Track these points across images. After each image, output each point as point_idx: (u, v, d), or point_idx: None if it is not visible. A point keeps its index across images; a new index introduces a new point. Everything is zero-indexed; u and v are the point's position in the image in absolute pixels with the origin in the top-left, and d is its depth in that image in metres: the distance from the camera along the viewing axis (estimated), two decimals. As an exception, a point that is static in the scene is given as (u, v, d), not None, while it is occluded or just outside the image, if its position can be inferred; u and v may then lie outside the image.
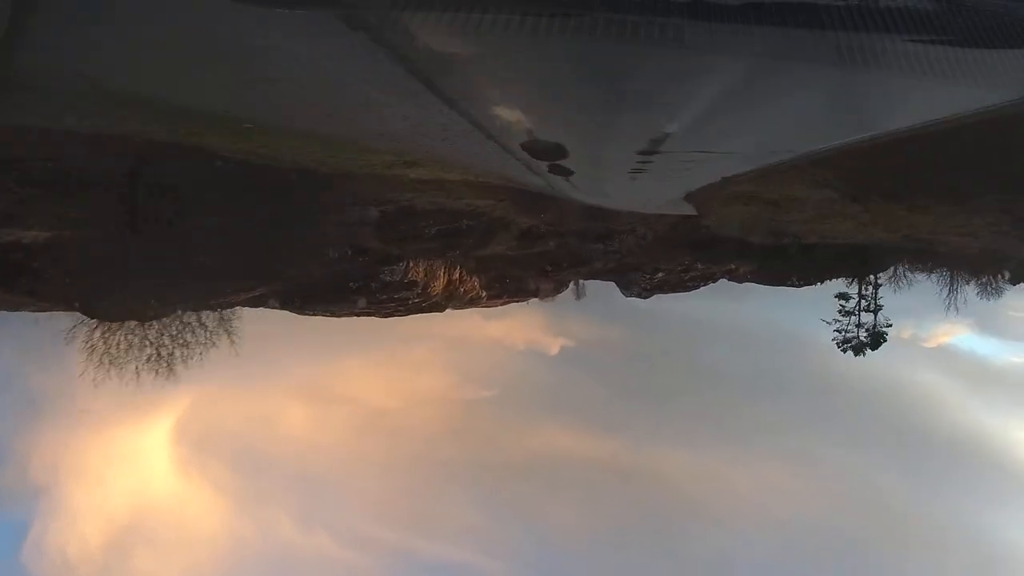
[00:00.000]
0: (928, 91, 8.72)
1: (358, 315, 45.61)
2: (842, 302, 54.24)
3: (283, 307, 40.84)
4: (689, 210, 32.29)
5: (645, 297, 59.41)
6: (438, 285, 51.59)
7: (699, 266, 56.51)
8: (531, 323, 60.07)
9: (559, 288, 60.01)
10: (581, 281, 60.85)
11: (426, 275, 49.23)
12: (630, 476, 71.56)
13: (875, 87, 8.78)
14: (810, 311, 54.17)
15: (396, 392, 73.85)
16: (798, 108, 10.07)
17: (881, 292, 55.50)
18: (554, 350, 69.61)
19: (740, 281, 57.11)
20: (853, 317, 54.34)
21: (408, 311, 47.86)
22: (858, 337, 53.80)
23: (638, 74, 8.48)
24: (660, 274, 57.05)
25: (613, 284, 58.84)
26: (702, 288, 58.98)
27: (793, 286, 58.52)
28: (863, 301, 54.88)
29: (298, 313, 42.28)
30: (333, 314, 45.39)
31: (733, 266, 53.98)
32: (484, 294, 54.81)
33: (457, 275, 53.18)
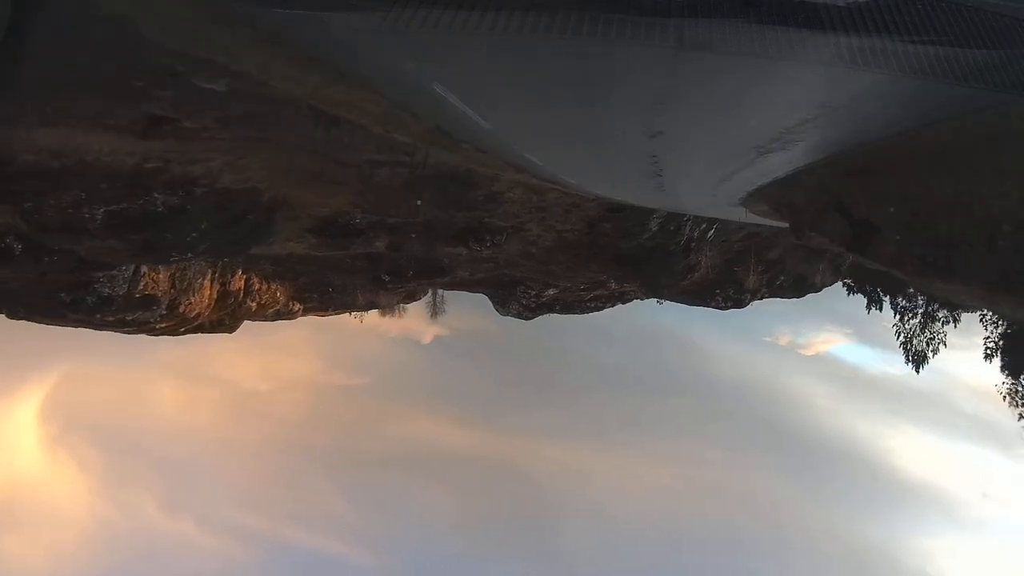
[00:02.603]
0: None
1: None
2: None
3: None
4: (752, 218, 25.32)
5: (527, 318, 47.65)
6: (200, 300, 35.27)
7: (613, 284, 44.35)
8: (423, 301, 50.09)
9: (408, 299, 47.49)
10: (440, 292, 48.99)
11: (174, 287, 32.90)
12: (503, 468, 73.86)
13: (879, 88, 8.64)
14: (693, 314, 49.62)
15: (267, 374, 71.12)
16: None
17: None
18: (428, 338, 67.35)
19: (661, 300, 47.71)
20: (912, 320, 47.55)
21: (164, 332, 34.66)
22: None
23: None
24: (552, 291, 44.47)
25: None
26: (606, 309, 48.17)
27: (719, 308, 46.41)
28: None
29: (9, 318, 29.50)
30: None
31: (668, 283, 41.44)
32: (297, 306, 41.20)
33: (241, 284, 37.71)
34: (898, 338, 49.42)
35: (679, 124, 10.96)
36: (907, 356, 48.95)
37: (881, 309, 52.25)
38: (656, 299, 44.40)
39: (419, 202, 25.89)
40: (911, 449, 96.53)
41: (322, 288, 41.02)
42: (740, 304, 45.73)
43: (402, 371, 71.76)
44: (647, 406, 74.26)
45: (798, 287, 48.31)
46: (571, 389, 72.05)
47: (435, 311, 47.32)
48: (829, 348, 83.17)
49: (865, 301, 54.39)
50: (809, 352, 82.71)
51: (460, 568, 67.97)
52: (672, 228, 34.77)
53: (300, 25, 9.28)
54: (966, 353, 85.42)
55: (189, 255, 24.70)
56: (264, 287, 38.32)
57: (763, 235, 37.99)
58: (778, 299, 49.35)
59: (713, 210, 29.16)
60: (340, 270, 38.58)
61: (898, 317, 49.96)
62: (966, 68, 7.99)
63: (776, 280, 43.93)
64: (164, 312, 32.27)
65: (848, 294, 55.77)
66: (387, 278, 38.43)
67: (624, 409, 73.82)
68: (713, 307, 45.58)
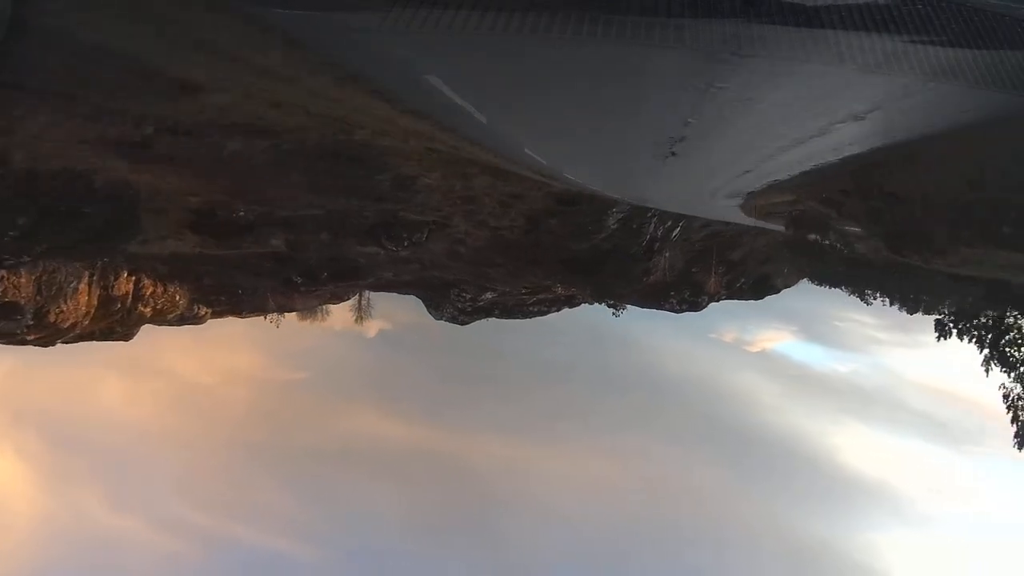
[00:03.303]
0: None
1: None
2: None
3: None
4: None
5: (463, 322, 43.55)
6: (75, 307, 29.87)
7: (560, 289, 40.13)
8: (350, 303, 46.58)
9: (335, 300, 42.61)
10: (367, 294, 44.15)
11: (40, 293, 27.46)
12: (446, 463, 74.65)
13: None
14: (638, 309, 45.57)
15: (211, 368, 69.84)
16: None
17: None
18: (372, 332, 61.58)
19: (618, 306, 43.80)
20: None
21: (37, 343, 29.73)
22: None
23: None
24: (489, 294, 40.23)
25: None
26: (551, 314, 44.41)
27: (673, 311, 43.61)
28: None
29: None
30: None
31: (623, 290, 38.55)
32: (204, 310, 36.66)
33: (128, 288, 32.50)
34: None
35: (691, 124, 11.01)
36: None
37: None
38: (610, 307, 40.02)
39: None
40: (858, 446, 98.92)
41: (230, 290, 37.34)
42: (696, 307, 43.46)
43: (346, 365, 71.74)
44: (591, 401, 75.19)
45: (759, 289, 46.50)
46: (516, 384, 72.70)
47: (360, 314, 42.64)
48: (775, 345, 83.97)
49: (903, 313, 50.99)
50: (755, 349, 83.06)
51: (404, 561, 69.14)
52: (634, 226, 30.94)
53: (300, 25, 9.15)
54: (913, 351, 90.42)
55: (25, 259, 19.47)
56: (159, 290, 33.87)
57: (727, 234, 34.70)
58: (735, 301, 47.51)
59: (707, 208, 28.35)
60: (246, 271, 35.10)
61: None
62: (984, 70, 8.23)
63: (736, 282, 42.96)
64: (31, 322, 28.06)
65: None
66: (299, 280, 35.05)
67: (568, 404, 74.36)
68: (667, 310, 43.58)
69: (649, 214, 32.12)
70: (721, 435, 79.03)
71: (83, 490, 67.51)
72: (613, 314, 40.81)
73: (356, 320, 44.99)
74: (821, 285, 58.52)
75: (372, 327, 60.94)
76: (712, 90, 8.80)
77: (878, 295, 60.55)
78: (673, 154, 13.08)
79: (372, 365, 73.14)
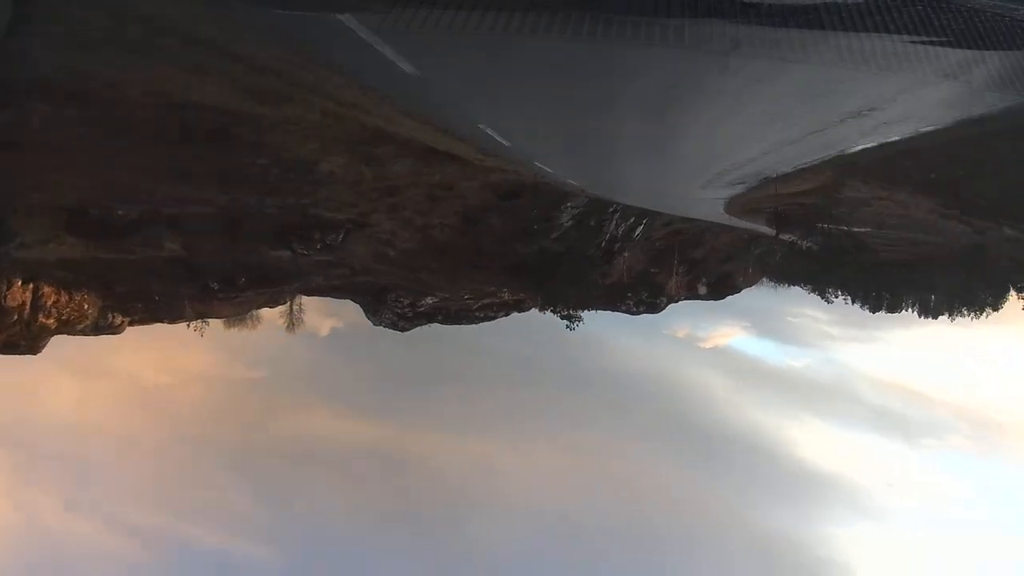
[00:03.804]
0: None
1: None
2: None
3: None
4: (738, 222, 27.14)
5: (403, 328, 40.27)
6: None
7: (506, 294, 37.88)
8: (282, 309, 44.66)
9: (259, 306, 38.63)
10: (299, 301, 40.52)
11: None
12: (404, 461, 74.94)
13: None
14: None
15: (164, 368, 67.49)
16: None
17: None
18: (325, 331, 61.09)
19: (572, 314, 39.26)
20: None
21: None
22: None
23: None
24: (430, 299, 37.53)
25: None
26: (501, 318, 41.35)
27: (630, 313, 41.59)
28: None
29: None
30: None
31: (577, 295, 35.74)
32: (121, 319, 33.24)
33: (24, 298, 29.20)
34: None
35: (681, 123, 11.54)
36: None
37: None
38: (564, 319, 37.32)
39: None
40: (814, 440, 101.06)
41: (146, 297, 33.97)
42: (655, 309, 41.61)
43: (300, 364, 70.34)
44: (546, 398, 75.28)
45: (719, 288, 45.18)
46: (471, 381, 73.32)
47: (291, 322, 39.10)
48: (728, 341, 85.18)
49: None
50: (708, 345, 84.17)
51: (361, 561, 68.56)
52: (592, 223, 27.61)
53: (300, 26, 9.10)
54: (867, 346, 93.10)
55: None
56: (62, 300, 30.68)
57: (690, 232, 32.62)
58: (694, 300, 45.86)
59: (687, 204, 27.12)
60: (159, 277, 31.83)
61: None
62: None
63: (698, 282, 40.01)
64: None
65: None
66: (216, 286, 32.07)
67: (523, 400, 75.33)
68: (623, 312, 41.63)
69: (611, 209, 29.72)
70: (678, 431, 79.90)
71: (36, 493, 66.20)
72: (567, 327, 37.52)
73: (287, 328, 41.36)
74: (781, 284, 58.86)
75: (325, 325, 60.87)
76: (710, 88, 8.98)
77: (840, 293, 61.14)
78: (665, 147, 13.24)
79: (327, 364, 73.11)
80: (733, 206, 21.26)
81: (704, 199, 21.74)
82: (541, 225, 26.34)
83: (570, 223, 28.56)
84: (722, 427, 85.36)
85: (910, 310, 62.83)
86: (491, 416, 77.76)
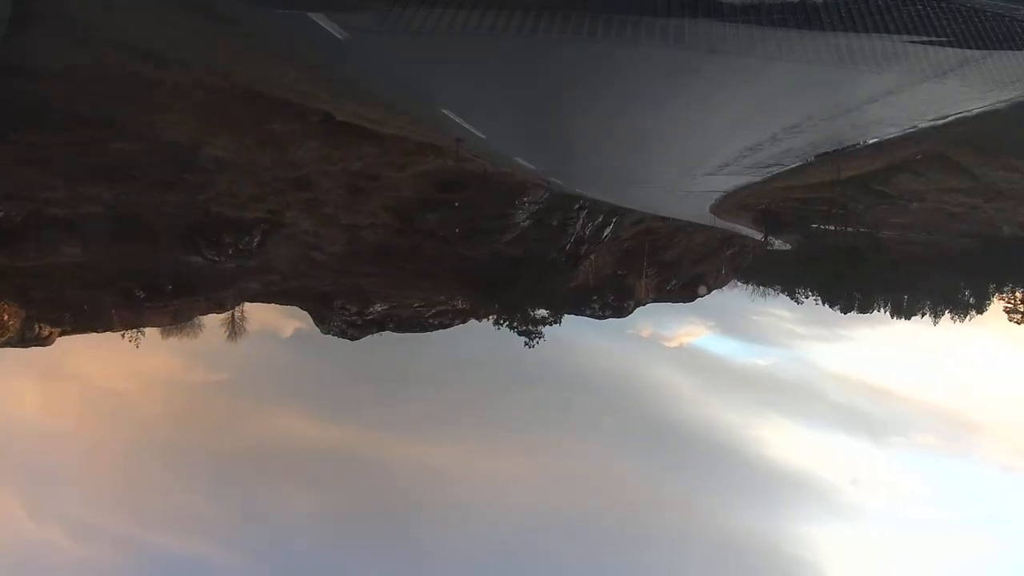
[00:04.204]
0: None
1: None
2: None
3: None
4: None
5: (353, 337, 37.90)
6: None
7: (458, 302, 35.75)
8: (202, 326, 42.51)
9: (216, 309, 35.60)
10: (241, 308, 37.20)
11: None
12: (362, 464, 72.34)
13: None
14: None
15: (125, 372, 60.41)
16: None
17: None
18: (288, 332, 58.17)
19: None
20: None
21: None
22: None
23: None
24: (379, 306, 35.39)
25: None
26: (457, 326, 38.94)
27: (595, 318, 40.09)
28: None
29: None
30: None
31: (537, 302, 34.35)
32: (48, 330, 31.10)
33: None
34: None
35: (675, 120, 11.71)
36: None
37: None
38: (522, 335, 34.93)
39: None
40: (781, 438, 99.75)
41: (73, 306, 32.09)
42: (621, 313, 39.78)
43: (262, 366, 67.00)
44: (509, 398, 73.27)
45: (689, 291, 43.44)
46: (431, 382, 69.19)
47: (233, 331, 36.05)
48: (693, 340, 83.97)
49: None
50: (672, 344, 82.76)
51: (321, 563, 65.63)
52: (555, 223, 24.00)
53: (300, 26, 8.76)
54: (832, 345, 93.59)
55: None
56: None
57: (662, 231, 31.07)
58: (666, 303, 45.51)
59: (673, 205, 26.00)
60: (78, 284, 29.58)
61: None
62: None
63: (668, 284, 40.25)
64: None
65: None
66: (142, 294, 29.50)
67: (485, 401, 74.39)
68: (588, 316, 39.84)
69: (576, 206, 26.42)
70: (644, 429, 78.54)
71: (2, 500, 63.17)
72: (526, 344, 34.26)
73: (228, 337, 38.40)
74: (750, 284, 58.38)
75: (288, 327, 59.44)
76: (708, 86, 9.18)
77: (810, 294, 60.96)
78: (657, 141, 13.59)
79: (288, 366, 70.41)
80: (726, 203, 20.54)
81: (694, 192, 21.40)
82: (492, 224, 23.06)
83: (528, 222, 25.07)
84: (688, 426, 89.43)
85: (882, 310, 63.08)
86: (452, 416, 75.93)
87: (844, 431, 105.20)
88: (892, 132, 12.24)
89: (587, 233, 26.31)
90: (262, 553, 66.87)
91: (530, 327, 33.26)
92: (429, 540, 67.23)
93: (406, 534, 69.21)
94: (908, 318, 63.41)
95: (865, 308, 63.32)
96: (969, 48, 8.50)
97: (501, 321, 32.47)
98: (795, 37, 8.00)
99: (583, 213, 26.99)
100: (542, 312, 29.61)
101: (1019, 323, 54.26)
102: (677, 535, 74.13)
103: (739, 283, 56.83)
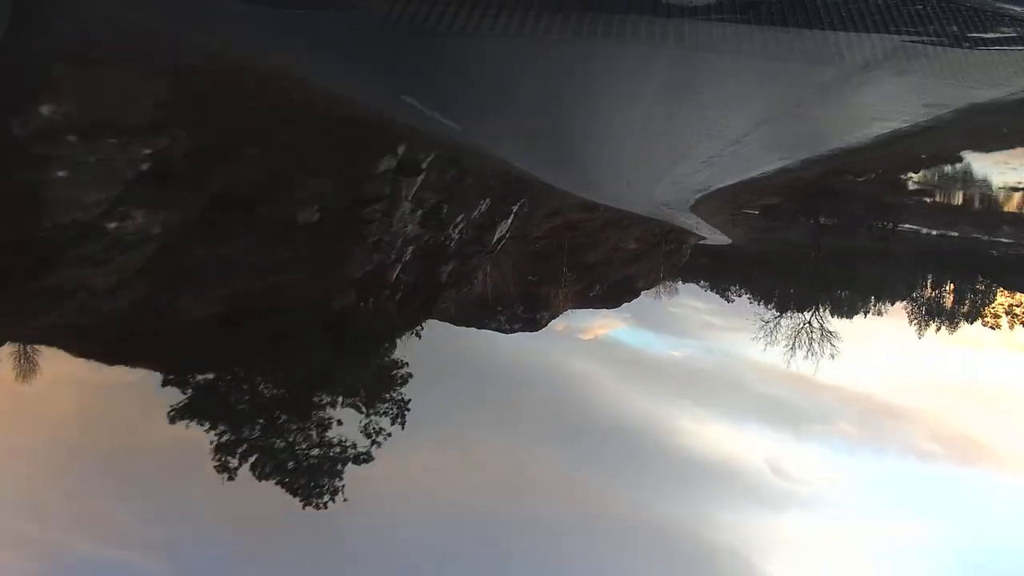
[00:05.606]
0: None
1: None
2: None
3: None
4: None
5: None
6: None
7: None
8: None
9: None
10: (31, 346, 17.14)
11: None
12: None
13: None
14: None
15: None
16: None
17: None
18: None
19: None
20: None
21: None
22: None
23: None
24: None
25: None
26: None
27: (501, 331, 31.77)
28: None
29: None
30: None
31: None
32: None
33: None
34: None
35: (673, 119, 11.37)
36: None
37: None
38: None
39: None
40: (698, 429, 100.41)
41: None
42: (533, 326, 32.34)
43: None
44: (419, 394, 69.27)
45: (616, 295, 36.07)
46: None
47: (21, 367, 26.45)
48: (608, 332, 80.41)
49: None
50: (587, 336, 79.36)
51: (245, 565, 59.45)
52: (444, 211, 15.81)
53: (300, 26, 8.58)
54: (749, 335, 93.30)
55: None
56: None
57: (588, 226, 28.58)
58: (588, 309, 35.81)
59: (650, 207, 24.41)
60: None
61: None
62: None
63: (591, 290, 33.57)
64: None
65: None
66: None
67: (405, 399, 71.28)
68: (493, 330, 31.60)
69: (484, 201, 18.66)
70: (558, 421, 78.50)
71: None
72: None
73: (17, 377, 29.50)
74: (680, 282, 55.57)
75: None
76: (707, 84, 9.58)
77: (742, 292, 57.58)
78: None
79: None
80: (719, 199, 20.25)
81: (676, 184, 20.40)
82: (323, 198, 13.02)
83: (410, 206, 15.95)
84: (606, 418, 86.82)
85: (823, 309, 60.37)
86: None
87: (764, 421, 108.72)
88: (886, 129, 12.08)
89: (467, 234, 17.83)
90: (171, 553, 69.05)
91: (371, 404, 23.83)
92: (349, 538, 69.86)
93: (326, 533, 71.57)
94: (851, 318, 61.17)
95: (801, 308, 60.44)
96: (969, 48, 8.75)
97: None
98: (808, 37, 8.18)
99: (446, 207, 17.45)
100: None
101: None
102: (594, 524, 76.05)
103: (676, 285, 55.23)
